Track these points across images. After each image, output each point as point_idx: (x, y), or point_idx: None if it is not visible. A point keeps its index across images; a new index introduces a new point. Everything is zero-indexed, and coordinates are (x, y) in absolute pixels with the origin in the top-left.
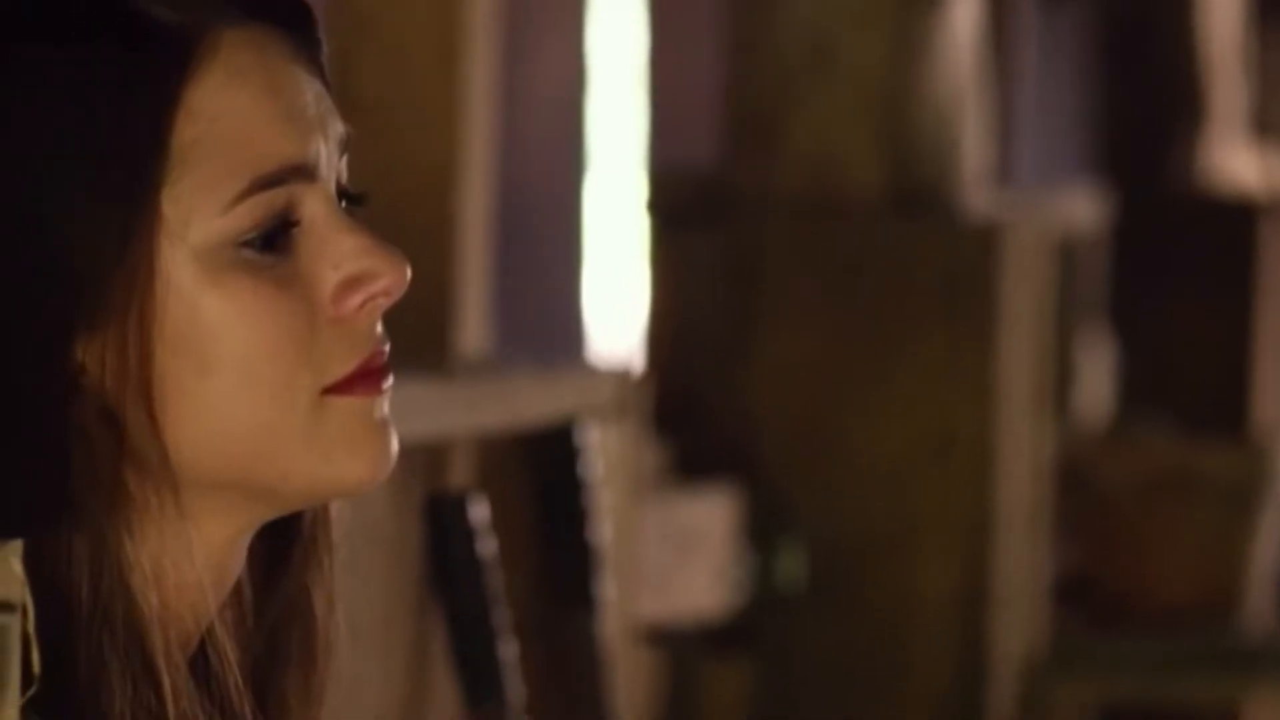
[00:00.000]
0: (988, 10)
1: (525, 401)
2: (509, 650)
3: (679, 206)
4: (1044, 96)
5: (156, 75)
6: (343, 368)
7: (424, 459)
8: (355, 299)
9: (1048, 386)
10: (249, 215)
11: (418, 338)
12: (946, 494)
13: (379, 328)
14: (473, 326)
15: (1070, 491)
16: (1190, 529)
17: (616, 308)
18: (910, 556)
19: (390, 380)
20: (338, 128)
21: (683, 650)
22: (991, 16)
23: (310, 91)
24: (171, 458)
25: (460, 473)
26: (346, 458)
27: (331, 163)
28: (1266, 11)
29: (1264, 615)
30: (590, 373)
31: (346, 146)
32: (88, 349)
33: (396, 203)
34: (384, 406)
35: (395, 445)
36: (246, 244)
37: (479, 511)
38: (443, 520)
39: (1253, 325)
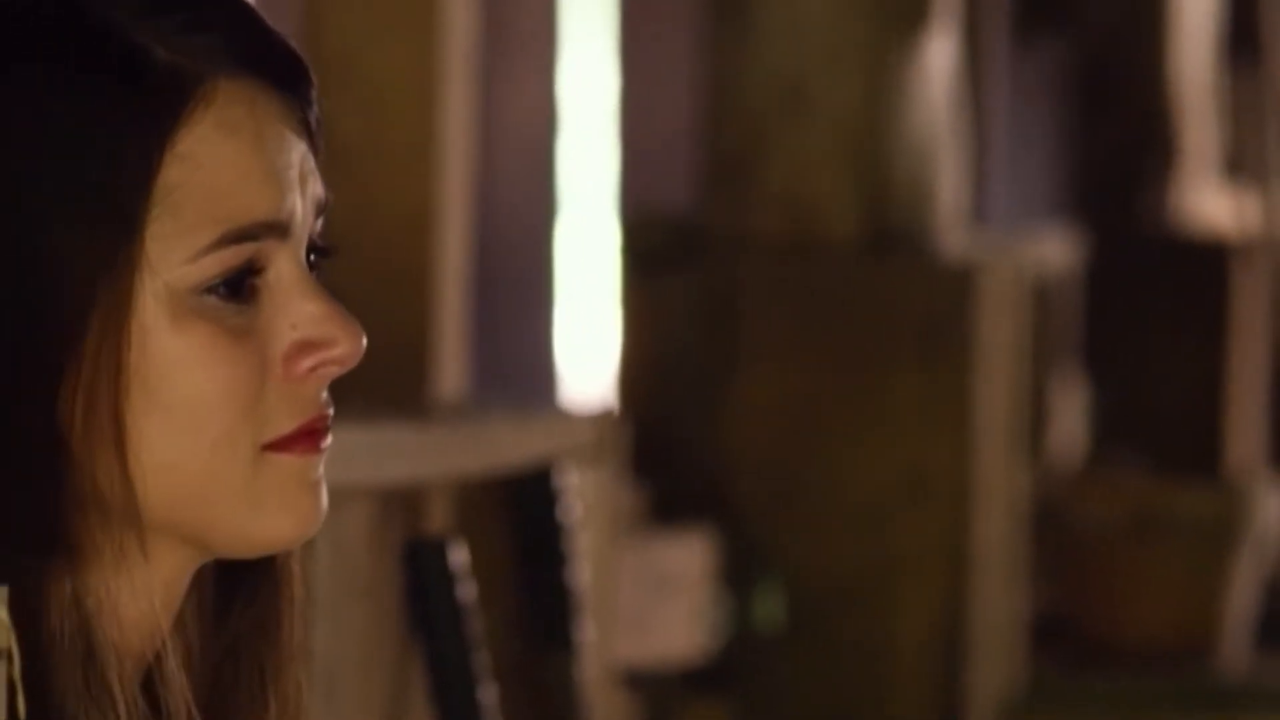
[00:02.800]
0: (961, 51)
1: (503, 445)
2: (489, 694)
3: (654, 249)
4: (1016, 137)
5: (150, 115)
6: (284, 427)
7: (402, 503)
8: (307, 362)
9: (1023, 426)
10: (216, 265)
11: (395, 381)
12: (923, 534)
13: (324, 394)
14: (450, 370)
15: (1046, 531)
16: (1166, 569)
17: (588, 350)
18: (887, 596)
19: (328, 441)
20: (318, 190)
21: (660, 692)
22: (964, 58)
23: (295, 151)
24: (136, 510)
25: (439, 517)
26: (276, 513)
27: (306, 223)
28: (1237, 52)
29: (1239, 655)
30: (568, 416)
31: (324, 209)
32: (63, 385)
33: (374, 246)
34: (319, 467)
35: (325, 504)
36: (210, 291)
37: (458, 556)
38: (422, 565)
39: (1226, 365)
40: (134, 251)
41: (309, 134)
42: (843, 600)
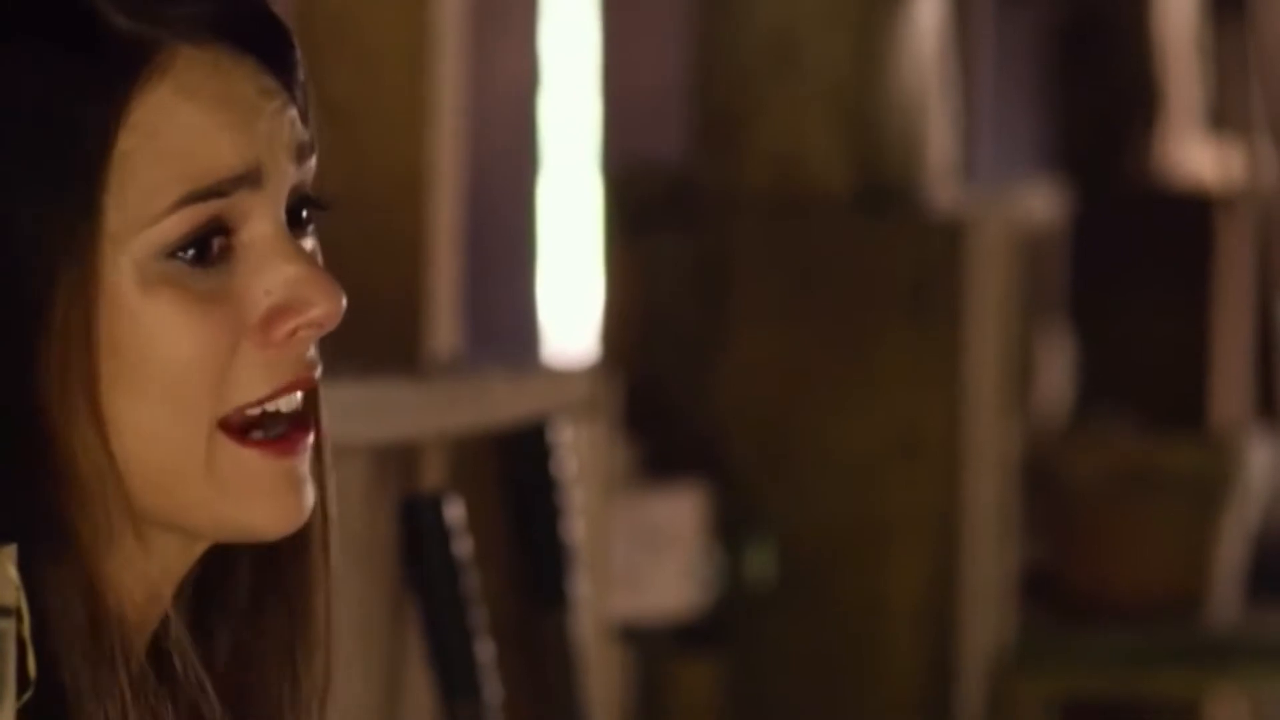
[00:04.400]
0: (948, 7)
1: (498, 401)
2: (486, 650)
3: (644, 205)
4: (1000, 92)
5: (104, 84)
6: (253, 393)
7: (397, 460)
8: (284, 327)
9: (1013, 383)
10: (179, 225)
11: (390, 338)
12: (914, 491)
13: (310, 353)
14: (444, 328)
15: (1034, 487)
16: (1156, 524)
17: (571, 307)
18: (879, 553)
19: (306, 441)
20: (295, 137)
21: (653, 648)
22: (951, 14)
23: (265, 109)
24: (119, 489)
25: (433, 473)
26: (247, 501)
27: (282, 176)
28: (1220, 5)
29: (1229, 609)
30: (562, 372)
31: (308, 153)
32: (35, 361)
33: (367, 206)
34: (300, 466)
35: (307, 500)
36: (178, 256)
37: (454, 512)
38: (418, 521)
39: (1211, 319)
40: (95, 222)
41: (289, 94)
42: (834, 557)
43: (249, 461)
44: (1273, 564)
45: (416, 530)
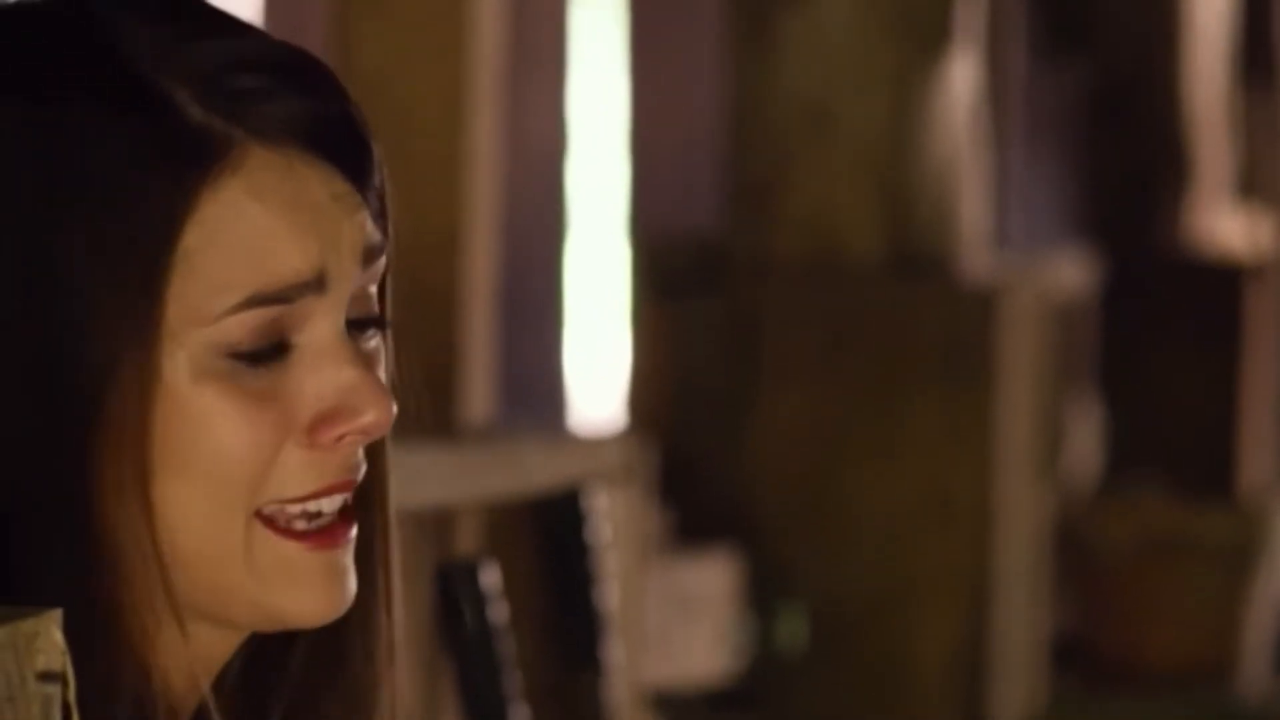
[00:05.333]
0: (980, 74)
1: (532, 467)
2: (521, 715)
3: (677, 271)
4: (1031, 159)
5: (174, 177)
6: (294, 490)
7: (432, 525)
8: (332, 433)
9: (1044, 448)
10: (240, 327)
11: (425, 405)
12: (945, 555)
13: (355, 458)
14: (479, 392)
15: (1064, 553)
16: (1186, 592)
17: (599, 370)
18: (910, 618)
19: (349, 534)
20: (363, 240)
21: (685, 713)
22: (983, 80)
23: (335, 213)
24: (163, 576)
25: (468, 538)
26: (284, 593)
27: (349, 278)
28: (1251, 74)
29: (1259, 678)
30: (596, 438)
31: (376, 255)
32: (90, 445)
33: (402, 267)
34: (335, 558)
35: (350, 588)
36: (235, 355)
37: (490, 577)
38: (454, 587)
39: (1239, 386)
40: (156, 315)
41: (362, 196)
42: (865, 621)
43: (289, 553)
44: None
45: (453, 595)
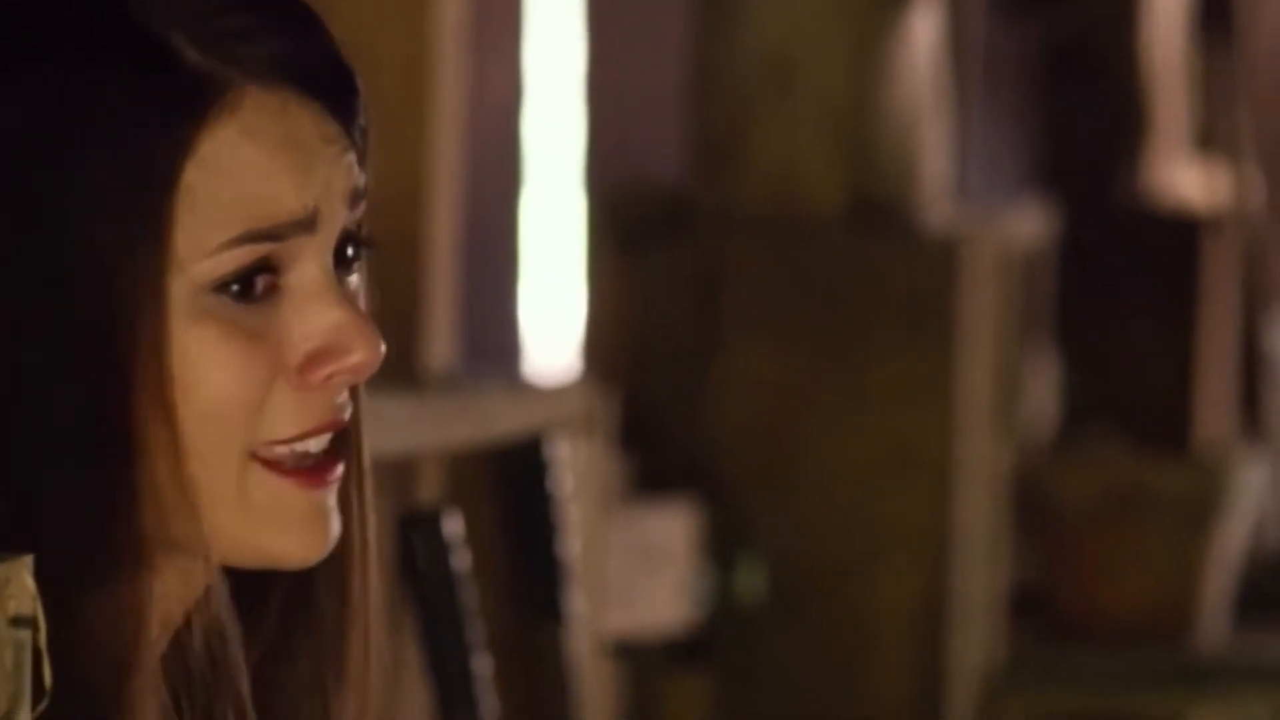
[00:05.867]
0: (941, 29)
1: (495, 416)
2: (483, 665)
3: (639, 223)
4: (989, 113)
5: (173, 116)
6: (283, 430)
7: (394, 474)
8: (321, 372)
9: (1005, 402)
10: (231, 262)
11: (387, 353)
12: (906, 509)
13: (341, 397)
14: (441, 342)
15: (1023, 507)
16: (1145, 546)
17: (554, 322)
18: (870, 571)
19: (336, 472)
20: (351, 183)
21: (644, 663)
22: (944, 33)
23: (326, 154)
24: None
25: (430, 488)
26: (274, 532)
27: (338, 218)
28: (1209, 27)
29: (1217, 631)
30: (558, 387)
31: (361, 197)
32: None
33: (366, 219)
34: (328, 499)
35: (334, 529)
36: (225, 291)
37: (453, 526)
38: (417, 535)
39: (1197, 339)
40: (164, 250)
41: (350, 139)
42: (825, 574)
43: (281, 490)
44: (1260, 586)
45: (416, 545)
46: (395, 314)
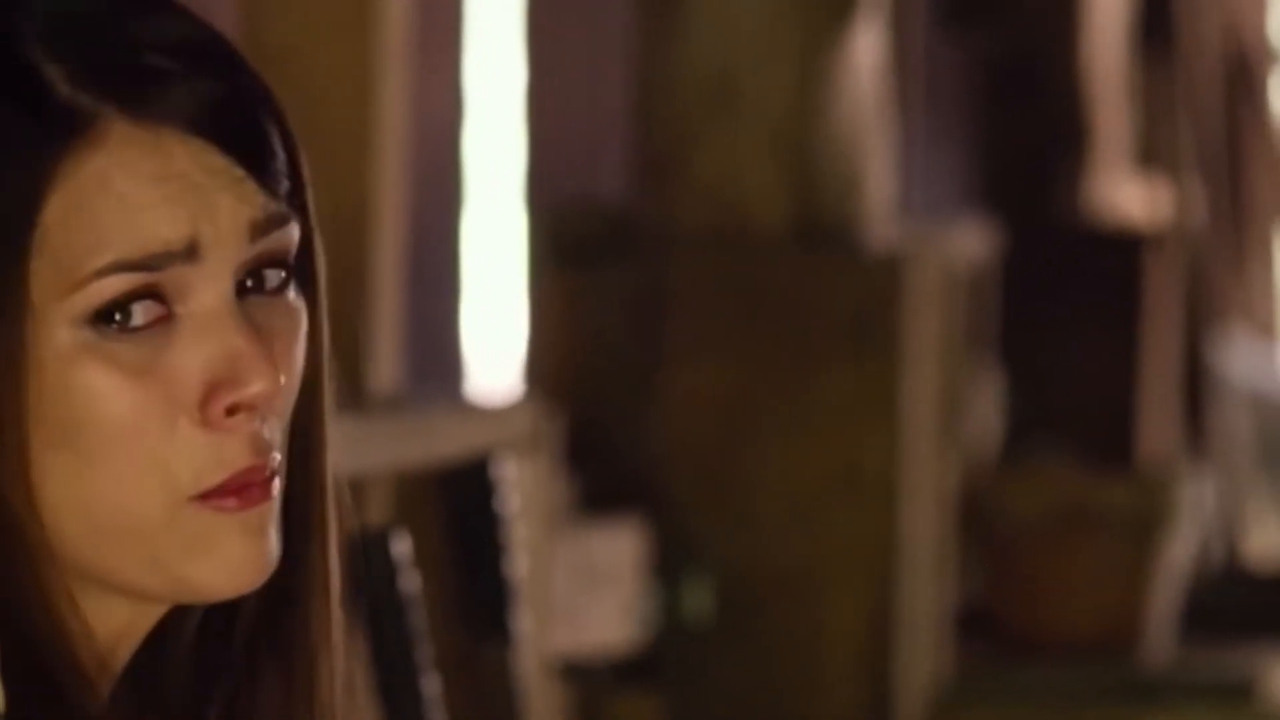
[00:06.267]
0: (883, 46)
1: (441, 436)
2: (432, 685)
3: (583, 240)
4: (931, 129)
5: (33, 149)
6: (209, 479)
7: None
8: (219, 404)
9: (950, 418)
10: (101, 292)
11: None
12: (853, 526)
13: (265, 435)
14: (387, 362)
15: (969, 524)
16: (1090, 562)
17: (495, 341)
18: (816, 589)
19: (274, 489)
20: (249, 212)
21: (591, 683)
22: (886, 50)
23: (209, 182)
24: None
25: (377, 508)
26: (208, 561)
27: (231, 249)
28: (1149, 43)
29: (1164, 647)
30: (504, 407)
31: (270, 226)
32: None
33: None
34: (264, 517)
35: (272, 552)
36: (103, 322)
37: (401, 546)
38: (365, 556)
39: (1139, 355)
40: (18, 291)
41: (249, 170)
42: (772, 593)
43: (213, 519)
44: (1205, 601)
45: (364, 565)
46: (341, 335)
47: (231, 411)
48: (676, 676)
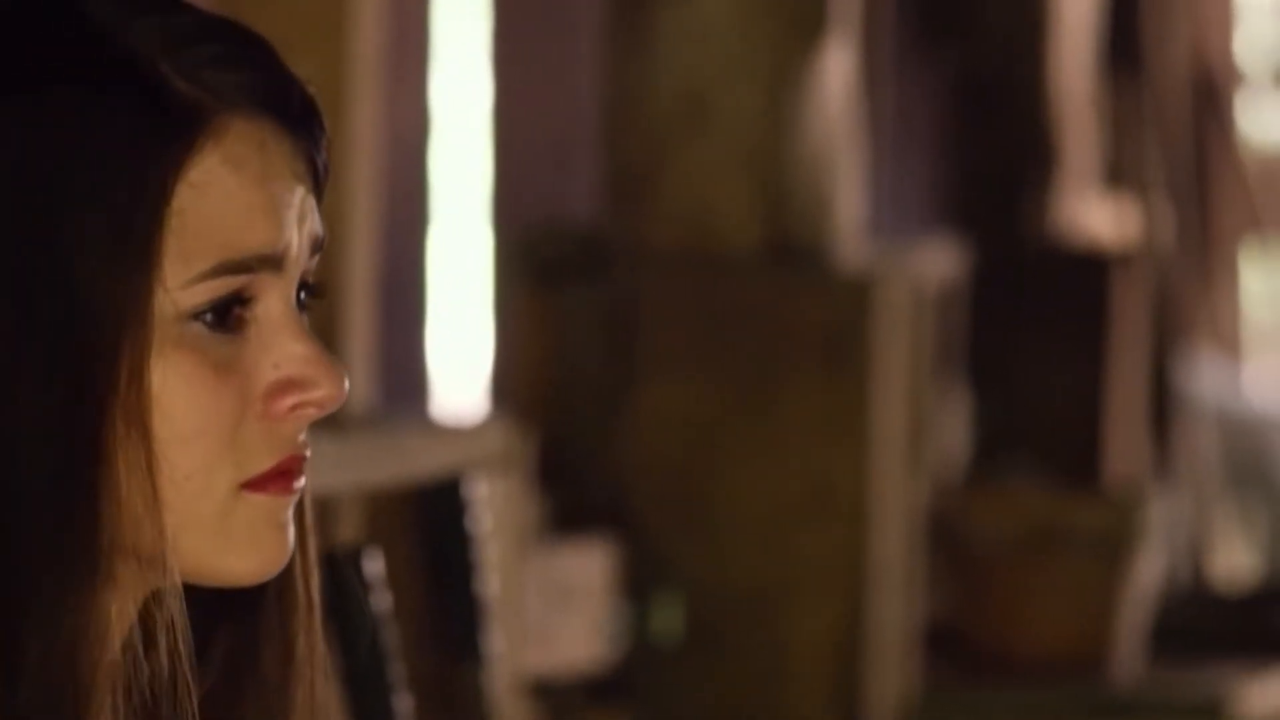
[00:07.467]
0: (853, 67)
1: (413, 456)
2: (404, 704)
3: (553, 260)
4: (899, 149)
5: (166, 144)
6: (260, 465)
7: (314, 514)
8: (286, 402)
9: (919, 438)
10: (206, 293)
11: None
12: (822, 545)
13: (302, 435)
14: (359, 381)
15: (937, 543)
16: (1058, 581)
17: (463, 359)
18: (786, 607)
19: (301, 482)
20: (315, 229)
21: (562, 702)
22: (857, 69)
23: (297, 191)
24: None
25: (350, 527)
26: (244, 550)
27: (300, 261)
28: (1117, 62)
29: (1132, 666)
30: (476, 427)
31: (320, 247)
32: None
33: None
34: (289, 508)
35: (290, 544)
36: (197, 318)
37: (374, 566)
38: (338, 575)
39: (1107, 375)
40: (154, 275)
41: (314, 176)
42: (741, 612)
43: (260, 505)
44: (1173, 621)
45: (337, 584)
46: None
47: (294, 409)
48: (647, 695)
